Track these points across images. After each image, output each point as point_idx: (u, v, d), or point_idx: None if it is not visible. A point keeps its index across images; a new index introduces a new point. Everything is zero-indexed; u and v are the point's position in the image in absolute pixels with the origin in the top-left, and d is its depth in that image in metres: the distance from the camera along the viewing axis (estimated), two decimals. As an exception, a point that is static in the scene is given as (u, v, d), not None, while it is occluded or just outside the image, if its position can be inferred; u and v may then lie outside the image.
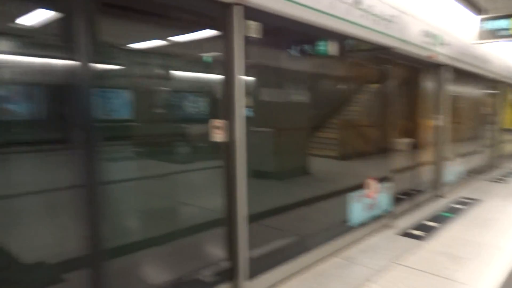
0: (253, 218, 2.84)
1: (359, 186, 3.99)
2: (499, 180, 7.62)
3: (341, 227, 3.74)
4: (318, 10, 3.13)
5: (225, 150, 2.52)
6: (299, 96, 3.27)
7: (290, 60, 3.21)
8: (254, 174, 2.97)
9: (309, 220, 3.43)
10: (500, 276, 3.21)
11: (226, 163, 2.53)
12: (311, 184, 3.52)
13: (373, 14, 3.82)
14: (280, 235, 3.18)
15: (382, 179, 4.34)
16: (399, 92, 5.34)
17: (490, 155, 8.95)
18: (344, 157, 3.97)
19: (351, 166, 4.01)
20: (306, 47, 3.31)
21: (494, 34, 4.99)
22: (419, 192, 5.59)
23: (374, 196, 4.20)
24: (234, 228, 2.60)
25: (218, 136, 2.47)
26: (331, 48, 3.55)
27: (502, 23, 4.89)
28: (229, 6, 2.47)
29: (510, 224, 4.59)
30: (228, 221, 2.62)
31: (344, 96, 4.53)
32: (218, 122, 2.46)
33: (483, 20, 5.04)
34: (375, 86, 4.18)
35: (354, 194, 3.88)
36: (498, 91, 9.20)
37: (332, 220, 3.67)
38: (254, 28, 2.59)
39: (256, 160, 2.97)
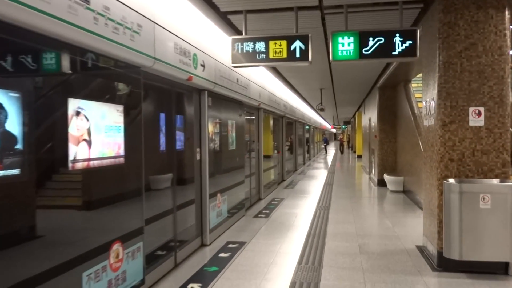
0: None
1: (104, 249, 3.45)
2: (262, 214, 8.55)
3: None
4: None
5: None
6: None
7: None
8: None
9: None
10: None
11: None
12: (36, 254, 2.76)
13: (112, 20, 3.40)
14: None
15: (133, 235, 3.94)
16: (157, 120, 5.15)
17: (253, 186, 10.06)
18: (90, 205, 3.47)
19: (98, 219, 3.48)
20: (22, 58, 2.66)
21: (253, 58, 5.45)
22: (181, 243, 5.48)
23: (119, 266, 3.70)
24: None
25: None
26: (61, 62, 3.00)
27: (260, 46, 5.40)
28: None
29: (271, 270, 4.99)
30: None
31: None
32: None
33: (236, 41, 5.43)
34: (127, 112, 3.85)
35: (88, 274, 3.28)
36: (257, 118, 10.55)
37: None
38: None
39: None
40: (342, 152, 36.22)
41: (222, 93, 6.77)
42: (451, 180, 4.94)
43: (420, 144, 8.59)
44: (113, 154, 3.63)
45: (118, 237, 3.71)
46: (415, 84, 14.61)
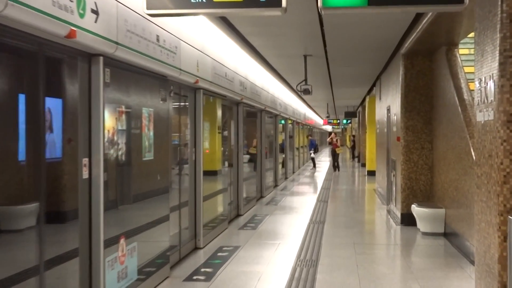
0: None
1: None
2: (200, 275, 8.53)
3: None
4: None
5: None
6: None
7: None
8: None
9: None
10: None
11: None
12: None
13: None
14: None
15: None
16: (12, 107, 5.09)
17: (185, 225, 10.02)
18: None
19: None
20: None
21: (185, 2, 5.45)
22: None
23: None
24: None
25: None
26: None
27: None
28: None
29: None
30: None
31: None
32: None
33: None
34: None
35: None
36: (194, 105, 10.53)
37: None
38: None
39: None
40: (336, 167, 33.60)
41: (131, 60, 6.74)
42: (521, 216, 5.09)
43: (473, 153, 8.80)
44: None
45: None
46: (465, 50, 14.90)
